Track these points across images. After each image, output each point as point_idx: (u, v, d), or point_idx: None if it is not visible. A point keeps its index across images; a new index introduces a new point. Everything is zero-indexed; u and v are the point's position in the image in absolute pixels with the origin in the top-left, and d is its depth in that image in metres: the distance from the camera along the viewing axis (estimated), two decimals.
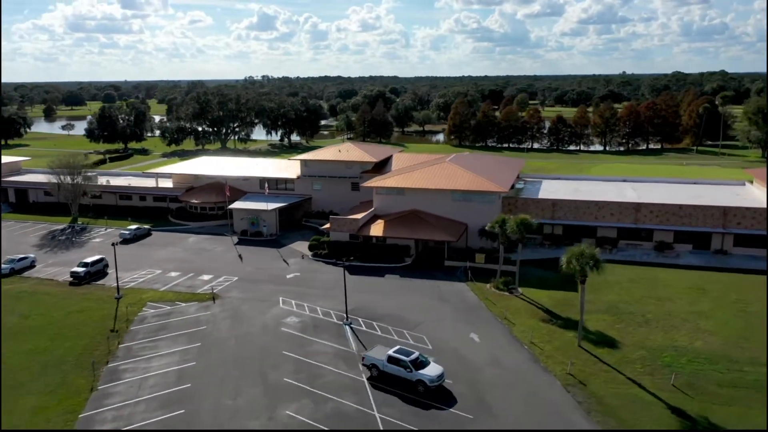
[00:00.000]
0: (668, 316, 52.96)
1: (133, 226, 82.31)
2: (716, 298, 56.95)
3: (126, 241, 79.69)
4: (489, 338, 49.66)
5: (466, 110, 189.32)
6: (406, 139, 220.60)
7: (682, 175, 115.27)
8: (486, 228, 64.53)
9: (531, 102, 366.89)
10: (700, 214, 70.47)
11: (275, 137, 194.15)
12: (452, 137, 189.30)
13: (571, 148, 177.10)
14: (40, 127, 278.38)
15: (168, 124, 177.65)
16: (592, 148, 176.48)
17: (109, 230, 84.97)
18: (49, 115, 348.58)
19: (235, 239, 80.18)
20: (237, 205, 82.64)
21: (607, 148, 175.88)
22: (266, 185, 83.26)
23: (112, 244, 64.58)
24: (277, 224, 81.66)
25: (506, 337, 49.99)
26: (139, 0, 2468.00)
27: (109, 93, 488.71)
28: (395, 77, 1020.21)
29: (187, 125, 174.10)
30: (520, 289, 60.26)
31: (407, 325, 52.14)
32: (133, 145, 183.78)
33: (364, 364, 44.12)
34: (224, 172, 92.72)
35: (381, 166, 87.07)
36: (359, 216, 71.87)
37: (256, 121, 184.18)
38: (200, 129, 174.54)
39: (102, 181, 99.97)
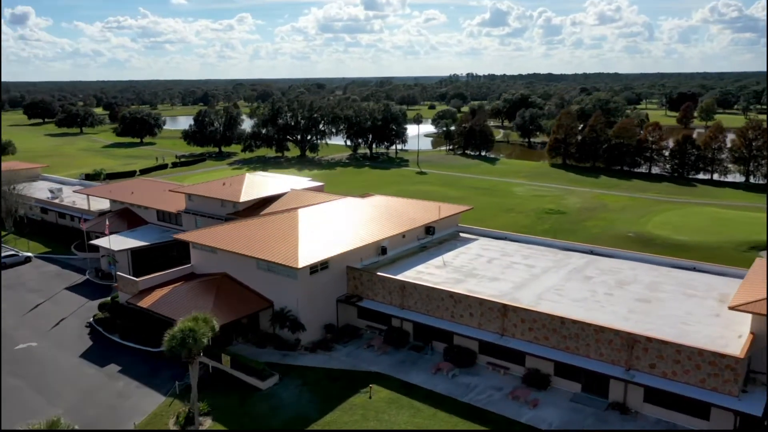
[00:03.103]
0: None
1: (3, 253, 77.35)
2: None
3: None
4: None
5: (573, 123, 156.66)
6: (522, 152, 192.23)
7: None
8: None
9: (731, 109, 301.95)
10: (591, 338, 42.44)
11: (361, 148, 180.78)
12: (553, 155, 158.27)
13: (701, 176, 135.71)
14: None
15: (248, 129, 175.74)
16: (729, 179, 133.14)
17: (6, 253, 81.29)
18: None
19: (81, 279, 70.65)
20: (101, 240, 72.80)
21: (751, 180, 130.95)
22: (106, 222, 71.79)
23: None
24: (130, 268, 70.02)
25: None
26: (380, 1, 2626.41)
27: (301, 91, 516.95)
28: (615, 74, 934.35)
29: (263, 131, 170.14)
30: (207, 424, 40.73)
31: None
32: (226, 149, 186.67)
33: None
34: (133, 198, 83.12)
35: (261, 206, 70.45)
36: (142, 278, 56.85)
37: (333, 130, 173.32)
38: (274, 136, 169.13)
39: (67, 194, 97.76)
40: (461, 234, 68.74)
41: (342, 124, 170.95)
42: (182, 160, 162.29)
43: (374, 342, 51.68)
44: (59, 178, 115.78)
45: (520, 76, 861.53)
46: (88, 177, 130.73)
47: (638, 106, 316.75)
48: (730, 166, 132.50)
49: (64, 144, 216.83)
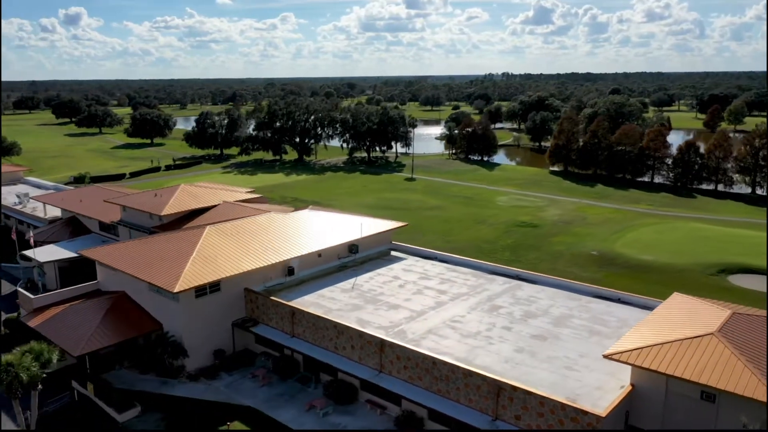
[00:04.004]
0: None
1: None
2: None
3: None
4: None
5: (574, 128, 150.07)
6: (531, 158, 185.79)
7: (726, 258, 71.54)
8: None
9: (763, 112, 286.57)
10: (461, 382, 38.40)
11: (359, 152, 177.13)
12: (554, 161, 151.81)
13: (704, 187, 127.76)
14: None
15: (246, 132, 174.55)
16: (735, 190, 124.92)
17: None
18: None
19: (10, 291, 69.52)
20: (31, 250, 71.57)
21: (757, 191, 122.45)
22: (13, 229, 69.91)
23: None
24: (57, 280, 68.59)
25: None
26: None
27: (330, 91, 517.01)
28: (658, 73, 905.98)
29: (259, 134, 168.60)
30: None
31: None
32: (227, 151, 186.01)
33: None
34: (79, 207, 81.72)
35: (187, 219, 68.14)
36: (38, 295, 55.19)
37: (329, 132, 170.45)
38: (272, 139, 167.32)
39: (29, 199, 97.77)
40: (393, 252, 65.04)
41: (339, 128, 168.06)
42: (177, 162, 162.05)
43: (258, 372, 48.57)
44: (39, 182, 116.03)
45: (558, 75, 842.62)
46: (76, 180, 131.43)
47: (666, 109, 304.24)
48: (735, 176, 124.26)
49: (77, 144, 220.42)
